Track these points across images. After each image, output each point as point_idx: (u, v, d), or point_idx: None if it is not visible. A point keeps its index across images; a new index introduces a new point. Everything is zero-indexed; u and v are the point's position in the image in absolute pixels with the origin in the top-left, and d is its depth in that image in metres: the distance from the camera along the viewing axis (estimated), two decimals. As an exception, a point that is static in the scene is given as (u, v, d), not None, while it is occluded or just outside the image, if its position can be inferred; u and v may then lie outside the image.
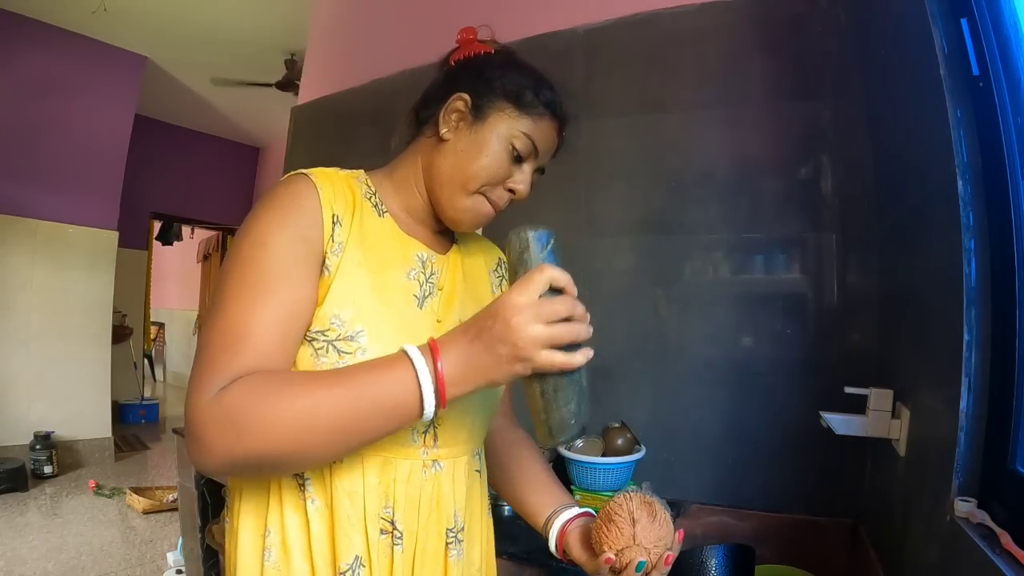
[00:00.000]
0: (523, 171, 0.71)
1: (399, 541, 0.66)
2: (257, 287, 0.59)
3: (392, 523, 0.66)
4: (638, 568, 0.63)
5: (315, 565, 0.63)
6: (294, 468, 0.61)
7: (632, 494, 0.68)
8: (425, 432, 0.69)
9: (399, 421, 0.56)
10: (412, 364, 0.54)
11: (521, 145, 0.69)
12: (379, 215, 0.70)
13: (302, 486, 0.64)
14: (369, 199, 0.70)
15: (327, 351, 0.62)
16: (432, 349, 0.54)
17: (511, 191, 0.71)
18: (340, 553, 0.63)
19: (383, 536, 0.65)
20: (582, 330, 0.54)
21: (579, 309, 0.54)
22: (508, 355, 0.52)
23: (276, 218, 0.62)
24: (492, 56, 0.73)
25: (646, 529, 0.64)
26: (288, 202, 0.63)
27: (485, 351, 0.53)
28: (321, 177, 0.65)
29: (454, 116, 0.70)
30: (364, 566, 0.64)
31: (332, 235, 0.64)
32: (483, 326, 0.53)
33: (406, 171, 0.74)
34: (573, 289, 0.55)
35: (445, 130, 0.70)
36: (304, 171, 0.66)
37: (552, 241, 0.57)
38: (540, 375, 0.54)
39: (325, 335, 0.62)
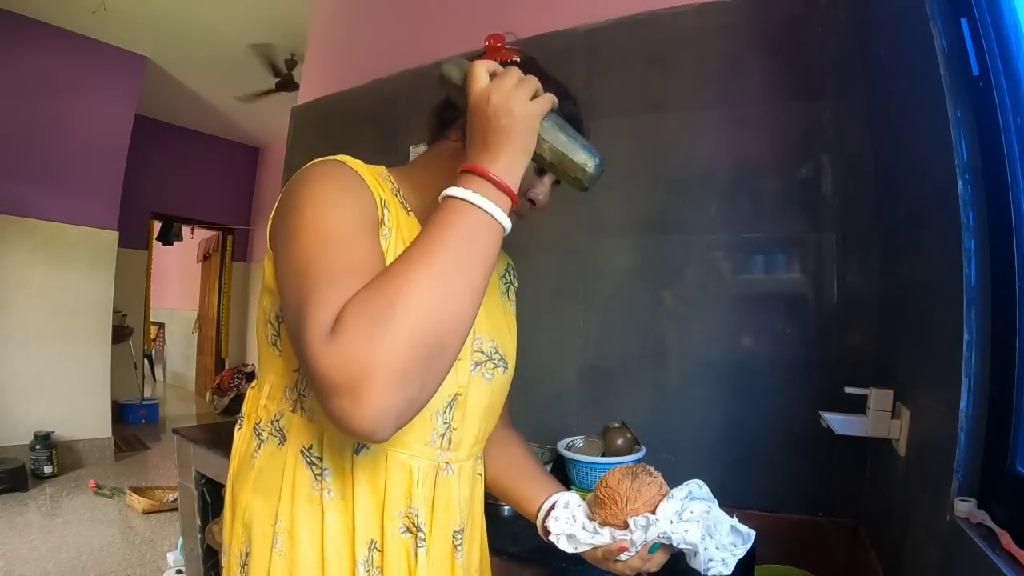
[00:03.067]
0: (543, 182, 0.73)
1: (422, 543, 0.66)
2: (341, 235, 0.57)
3: (416, 524, 0.66)
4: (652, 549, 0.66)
5: (326, 556, 0.63)
6: (459, 332, 0.52)
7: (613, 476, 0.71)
8: (443, 435, 0.70)
9: (495, 242, 0.55)
10: (472, 203, 0.54)
11: None
12: (406, 213, 0.71)
13: (319, 476, 0.64)
14: (396, 195, 0.70)
15: None
16: (478, 172, 0.55)
17: (531, 201, 0.72)
18: (357, 539, 0.63)
19: (406, 534, 0.66)
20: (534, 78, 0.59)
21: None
22: (517, 121, 0.56)
23: (335, 187, 0.61)
24: (518, 65, 0.73)
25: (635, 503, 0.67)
26: (339, 177, 0.62)
27: (502, 135, 0.56)
28: (356, 164, 0.65)
29: None
30: (378, 551, 0.65)
31: (383, 218, 0.64)
32: (481, 125, 0.57)
33: (429, 173, 0.74)
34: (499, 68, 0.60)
35: None
36: (335, 157, 0.65)
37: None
38: (543, 126, 0.60)
39: None
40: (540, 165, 0.63)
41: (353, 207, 0.60)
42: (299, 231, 0.57)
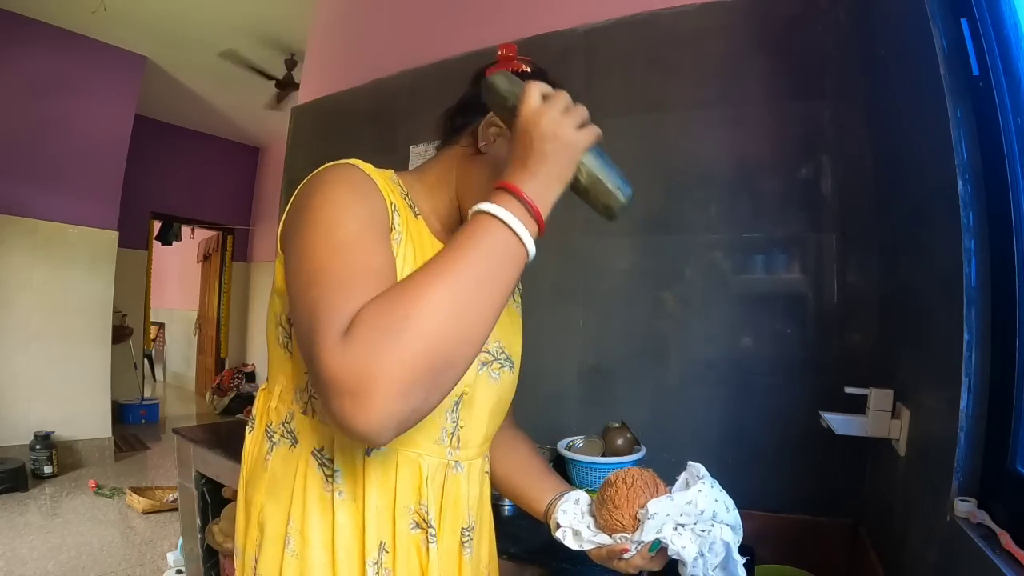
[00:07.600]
0: None
1: (433, 538, 0.67)
2: (353, 240, 0.56)
3: (426, 520, 0.67)
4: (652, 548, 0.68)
5: (336, 556, 0.64)
6: (469, 352, 0.52)
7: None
8: (452, 434, 0.70)
9: (516, 266, 0.55)
10: (501, 220, 0.54)
11: None
12: (414, 216, 0.71)
13: (330, 478, 0.65)
14: (405, 199, 0.70)
15: None
16: (512, 190, 0.56)
17: None
18: (367, 540, 0.64)
19: (416, 530, 0.67)
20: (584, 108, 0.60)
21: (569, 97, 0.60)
22: (561, 149, 0.57)
23: (348, 192, 0.60)
24: (528, 75, 0.74)
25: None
26: (352, 181, 0.62)
27: (544, 160, 0.57)
28: (367, 167, 0.65)
29: (492, 131, 0.71)
30: (387, 552, 0.65)
31: (394, 222, 0.64)
32: (527, 146, 0.57)
33: (439, 176, 0.75)
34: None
35: (483, 143, 0.71)
36: (347, 161, 0.65)
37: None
38: (585, 155, 0.60)
39: None
40: (572, 188, 0.61)
41: (365, 212, 0.60)
42: (312, 235, 0.57)
